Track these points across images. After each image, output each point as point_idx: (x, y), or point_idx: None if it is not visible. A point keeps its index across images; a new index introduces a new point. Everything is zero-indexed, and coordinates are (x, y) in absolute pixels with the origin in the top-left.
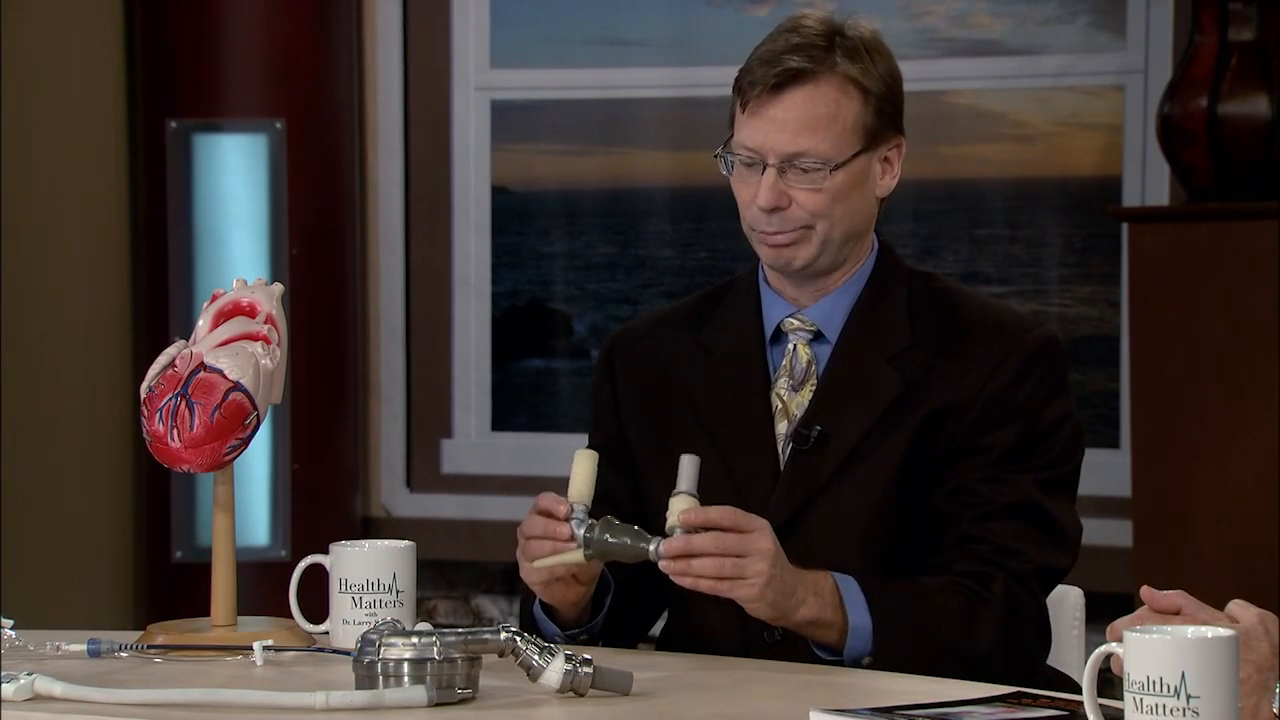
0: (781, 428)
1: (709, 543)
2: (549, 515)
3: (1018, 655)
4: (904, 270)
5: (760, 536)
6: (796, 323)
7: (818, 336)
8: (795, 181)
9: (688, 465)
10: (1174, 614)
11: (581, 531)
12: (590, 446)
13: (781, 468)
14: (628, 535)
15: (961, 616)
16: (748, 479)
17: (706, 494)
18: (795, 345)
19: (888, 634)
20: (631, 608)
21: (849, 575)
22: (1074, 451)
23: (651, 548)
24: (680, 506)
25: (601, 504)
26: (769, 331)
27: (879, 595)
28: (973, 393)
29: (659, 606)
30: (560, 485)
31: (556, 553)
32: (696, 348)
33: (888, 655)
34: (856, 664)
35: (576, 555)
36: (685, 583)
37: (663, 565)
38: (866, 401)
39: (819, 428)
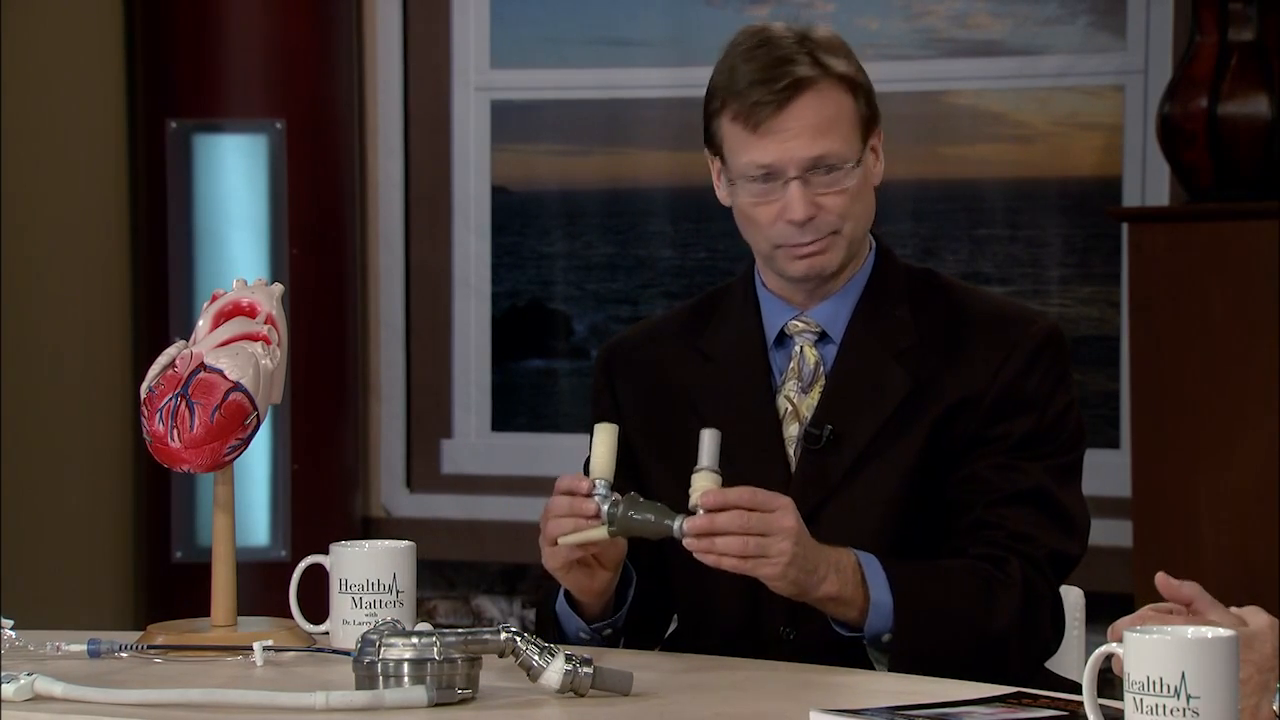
0: (792, 430)
1: (732, 521)
2: (571, 494)
3: (1033, 638)
4: (902, 268)
5: (783, 515)
6: (801, 325)
7: (822, 337)
8: (819, 187)
9: (708, 440)
10: (1185, 604)
11: (605, 507)
12: None
13: (793, 469)
14: (651, 512)
15: (980, 596)
16: (759, 482)
17: None
18: (801, 347)
19: (908, 611)
20: (655, 601)
21: (870, 553)
22: (1080, 439)
23: (675, 525)
24: (702, 482)
25: None
26: (771, 335)
27: (900, 573)
28: (983, 386)
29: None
30: None
31: (579, 530)
32: (695, 355)
33: (908, 633)
34: (876, 641)
35: (600, 532)
36: (709, 560)
37: (686, 543)
38: (876, 400)
39: (830, 427)
